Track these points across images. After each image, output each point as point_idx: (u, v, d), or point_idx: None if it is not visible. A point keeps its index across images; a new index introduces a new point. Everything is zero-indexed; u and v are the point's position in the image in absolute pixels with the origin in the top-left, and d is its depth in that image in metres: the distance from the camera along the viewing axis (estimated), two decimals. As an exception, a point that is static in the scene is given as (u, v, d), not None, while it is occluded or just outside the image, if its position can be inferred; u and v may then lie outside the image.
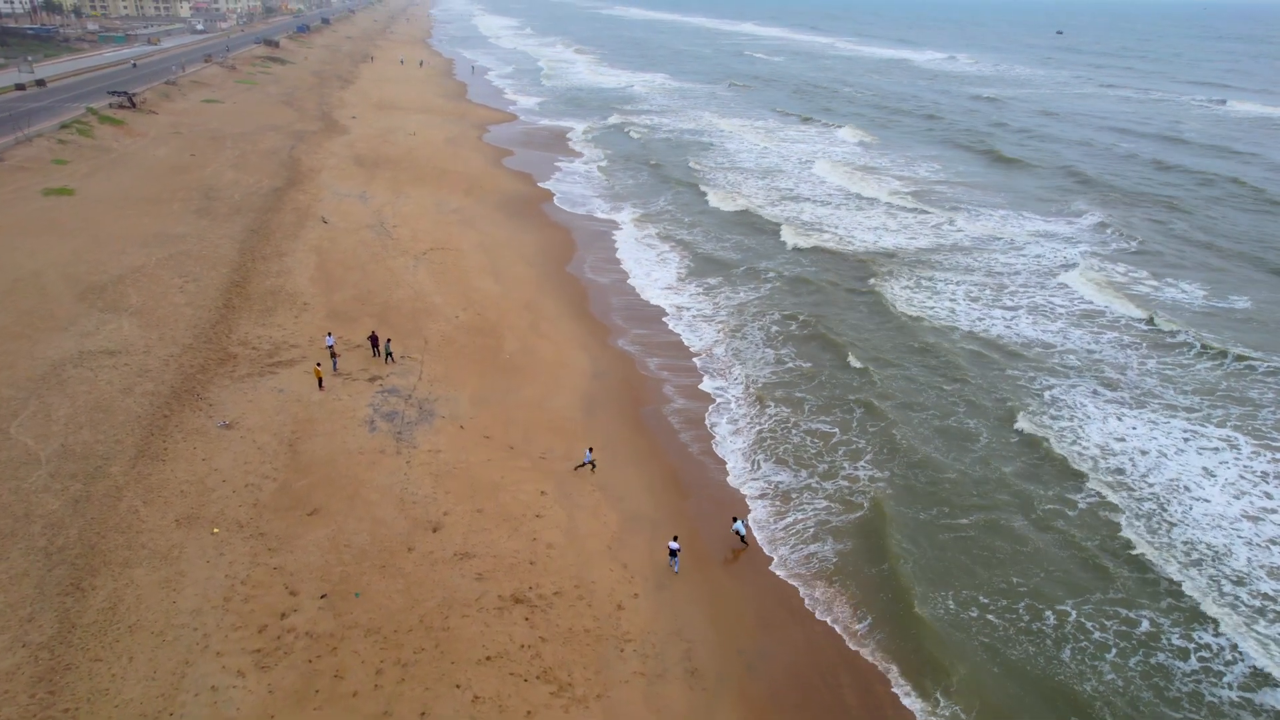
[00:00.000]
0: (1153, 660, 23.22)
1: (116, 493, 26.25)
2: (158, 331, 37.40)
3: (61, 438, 28.68)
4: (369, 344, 37.82)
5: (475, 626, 22.59)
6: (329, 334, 37.41)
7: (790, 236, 59.20)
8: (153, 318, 38.72)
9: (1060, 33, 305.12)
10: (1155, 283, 50.91)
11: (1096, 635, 23.96)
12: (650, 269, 52.55)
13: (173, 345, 36.29)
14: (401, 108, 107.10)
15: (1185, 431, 34.76)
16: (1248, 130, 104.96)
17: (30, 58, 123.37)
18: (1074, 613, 24.75)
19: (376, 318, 41.28)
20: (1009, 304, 47.82)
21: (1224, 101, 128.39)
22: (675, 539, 26.09)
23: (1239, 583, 26.26)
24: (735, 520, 27.31)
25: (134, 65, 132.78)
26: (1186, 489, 30.99)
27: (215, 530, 25.19)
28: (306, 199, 61.32)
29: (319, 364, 35.36)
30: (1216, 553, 27.63)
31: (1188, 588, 25.82)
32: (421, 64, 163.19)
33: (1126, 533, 28.15)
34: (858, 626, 24.14)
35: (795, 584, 25.67)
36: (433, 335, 39.83)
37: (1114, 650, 23.45)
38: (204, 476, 27.70)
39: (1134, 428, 35.03)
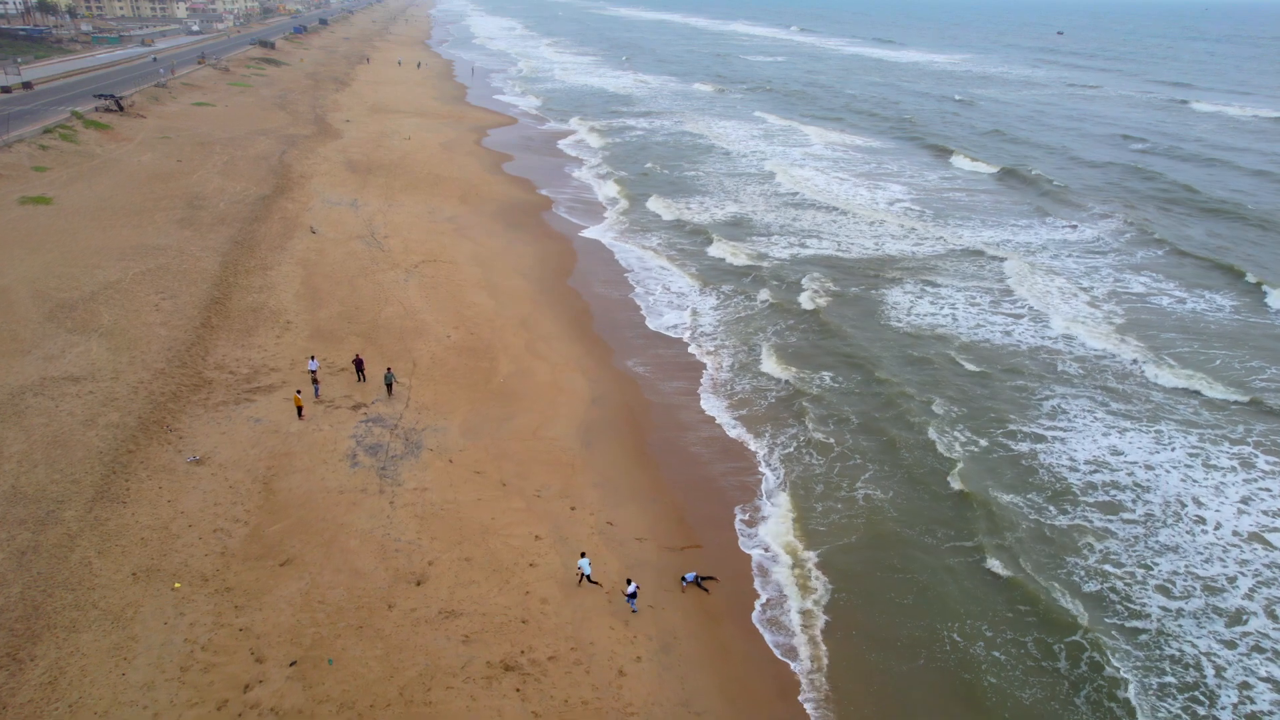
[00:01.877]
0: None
1: (69, 542, 23.93)
2: (128, 354, 35.06)
3: (13, 478, 26.36)
4: (353, 368, 35.50)
5: (461, 700, 20.26)
6: (311, 357, 35.04)
7: (791, 244, 57.09)
8: (124, 339, 36.38)
9: (1061, 33, 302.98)
10: (1181, 294, 48.68)
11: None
12: (654, 281, 50.21)
13: (144, 370, 33.96)
14: (398, 111, 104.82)
15: (1193, 449, 33.10)
16: (1216, 132, 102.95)
17: (19, 59, 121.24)
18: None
19: (363, 337, 38.95)
20: (1008, 311, 46.63)
21: (1186, 101, 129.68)
22: (630, 580, 23.97)
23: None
24: (582, 556, 24.57)
25: (154, 60, 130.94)
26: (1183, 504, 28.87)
27: (176, 585, 22.88)
28: (295, 207, 59.02)
29: (299, 391, 33.03)
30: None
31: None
32: (420, 65, 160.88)
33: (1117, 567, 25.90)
34: (865, 689, 21.88)
35: (809, 643, 23.33)
36: (422, 357, 37.48)
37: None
38: (168, 521, 25.38)
39: (1132, 442, 33.66)
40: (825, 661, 22.64)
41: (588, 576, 24.43)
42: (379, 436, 31.03)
